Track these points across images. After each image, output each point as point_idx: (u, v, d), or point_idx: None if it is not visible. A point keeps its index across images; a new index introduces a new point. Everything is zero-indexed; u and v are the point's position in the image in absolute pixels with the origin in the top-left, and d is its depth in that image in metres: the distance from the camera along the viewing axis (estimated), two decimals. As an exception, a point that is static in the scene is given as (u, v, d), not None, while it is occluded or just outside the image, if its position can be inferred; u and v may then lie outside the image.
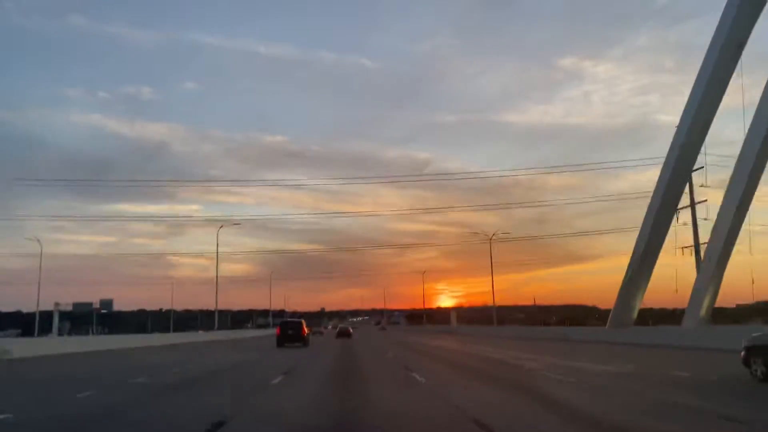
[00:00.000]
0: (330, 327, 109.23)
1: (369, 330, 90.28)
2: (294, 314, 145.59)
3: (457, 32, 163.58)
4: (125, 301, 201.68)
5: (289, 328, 29.73)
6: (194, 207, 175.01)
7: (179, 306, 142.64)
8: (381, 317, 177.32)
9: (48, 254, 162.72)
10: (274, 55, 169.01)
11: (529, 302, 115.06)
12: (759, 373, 10.70)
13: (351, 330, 49.84)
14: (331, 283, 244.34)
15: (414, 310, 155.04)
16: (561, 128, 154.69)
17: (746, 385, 10.28)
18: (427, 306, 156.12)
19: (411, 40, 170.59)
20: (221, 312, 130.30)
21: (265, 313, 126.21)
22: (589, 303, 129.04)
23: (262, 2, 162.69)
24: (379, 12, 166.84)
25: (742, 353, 11.19)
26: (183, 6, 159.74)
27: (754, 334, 11.17)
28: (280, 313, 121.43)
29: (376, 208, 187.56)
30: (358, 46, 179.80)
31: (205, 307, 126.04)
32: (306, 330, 30.20)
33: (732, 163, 29.34)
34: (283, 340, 28.96)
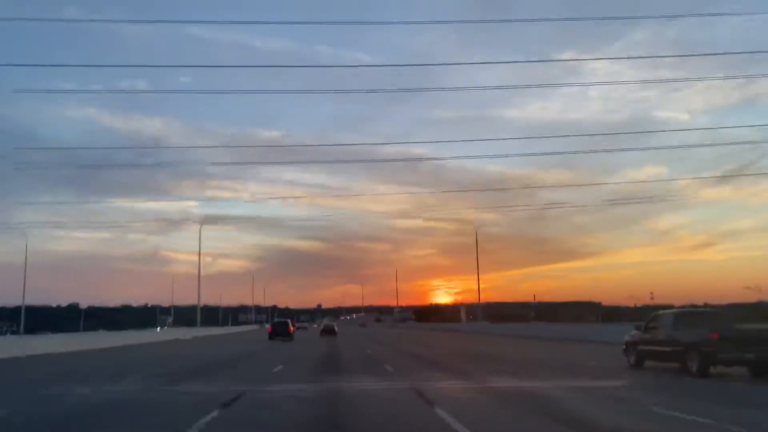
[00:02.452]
0: (316, 325, 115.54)
1: (350, 328, 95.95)
2: (286, 310, 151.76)
3: (455, 27, 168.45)
4: (120, 298, 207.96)
5: (279, 326, 42.63)
6: (191, 203, 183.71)
7: (168, 301, 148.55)
8: (379, 314, 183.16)
9: (43, 250, 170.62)
10: (271, 49, 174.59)
11: (528, 299, 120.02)
12: (631, 361, 15.82)
13: (336, 327, 55.46)
14: (329, 279, 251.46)
15: (412, 306, 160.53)
16: (559, 124, 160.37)
17: (621, 370, 15.28)
18: (427, 302, 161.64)
19: (408, 35, 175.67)
20: (212, 308, 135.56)
21: (252, 309, 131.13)
22: (593, 299, 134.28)
23: None
24: (376, 7, 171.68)
25: (623, 347, 16.29)
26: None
27: (631, 332, 16.23)
28: (261, 309, 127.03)
29: (374, 204, 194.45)
30: (356, 41, 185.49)
31: (193, 303, 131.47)
32: (292, 327, 43.51)
33: None
34: (274, 335, 40.92)
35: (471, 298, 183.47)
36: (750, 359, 13.13)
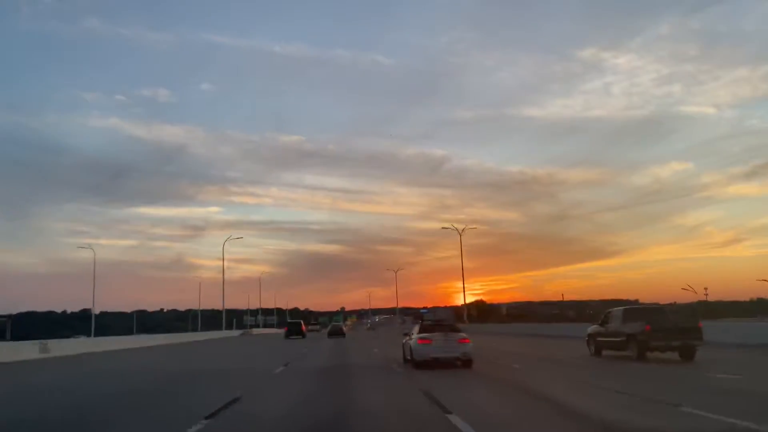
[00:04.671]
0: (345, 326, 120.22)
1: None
2: (304, 312, 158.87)
3: (473, 25, 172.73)
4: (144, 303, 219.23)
5: (293, 326, 54.58)
6: (213, 209, 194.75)
7: (184, 306, 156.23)
8: (404, 315, 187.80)
9: (69, 259, 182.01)
10: (290, 54, 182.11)
11: (557, 298, 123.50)
12: (591, 351, 20.20)
13: (344, 329, 59.97)
14: (352, 282, 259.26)
15: (437, 308, 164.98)
16: (581, 122, 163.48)
17: (580, 358, 19.63)
18: (450, 304, 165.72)
19: (426, 35, 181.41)
20: (229, 311, 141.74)
21: (223, 312, 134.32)
22: (621, 297, 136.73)
23: (277, 2, 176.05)
24: (393, 7, 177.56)
25: (586, 339, 20.68)
26: (198, 7, 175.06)
27: (592, 327, 20.57)
28: (269, 311, 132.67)
29: (395, 206, 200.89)
30: (373, 42, 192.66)
31: (211, 307, 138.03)
32: (304, 327, 56.30)
33: None
34: (289, 334, 52.06)
35: (498, 298, 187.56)
36: (677, 345, 17.44)
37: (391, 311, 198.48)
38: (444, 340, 16.60)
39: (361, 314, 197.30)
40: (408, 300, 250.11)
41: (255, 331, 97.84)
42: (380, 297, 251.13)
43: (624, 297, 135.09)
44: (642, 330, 17.58)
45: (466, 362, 16.44)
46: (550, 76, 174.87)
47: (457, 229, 69.75)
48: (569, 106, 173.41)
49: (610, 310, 20.23)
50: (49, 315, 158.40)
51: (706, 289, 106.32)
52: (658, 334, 17.38)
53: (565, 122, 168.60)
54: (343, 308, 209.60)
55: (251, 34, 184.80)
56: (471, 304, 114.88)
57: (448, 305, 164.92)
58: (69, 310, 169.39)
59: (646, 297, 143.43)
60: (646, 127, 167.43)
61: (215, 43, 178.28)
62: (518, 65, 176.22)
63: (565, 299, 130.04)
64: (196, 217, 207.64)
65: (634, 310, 19.59)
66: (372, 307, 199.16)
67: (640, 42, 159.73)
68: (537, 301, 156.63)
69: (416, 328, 18.15)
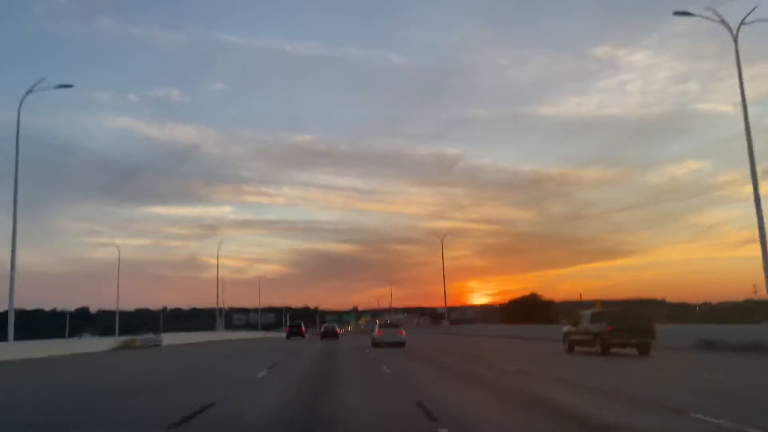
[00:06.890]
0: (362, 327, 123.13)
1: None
2: (314, 311, 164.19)
3: (485, 23, 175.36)
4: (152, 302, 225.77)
5: (294, 327, 64.67)
6: (226, 209, 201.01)
7: (188, 305, 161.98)
8: (418, 316, 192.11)
9: (83, 258, 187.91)
10: (301, 53, 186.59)
11: (574, 298, 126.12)
12: (566, 347, 23.88)
13: (339, 330, 63.40)
14: (364, 282, 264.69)
15: (453, 307, 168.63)
16: (595, 120, 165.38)
17: (556, 354, 23.26)
18: (467, 303, 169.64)
19: (439, 33, 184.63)
20: (237, 310, 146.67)
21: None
22: (657, 296, 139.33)
23: (288, 0, 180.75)
24: (405, 5, 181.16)
25: (562, 338, 24.37)
26: (209, 7, 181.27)
27: (567, 326, 24.21)
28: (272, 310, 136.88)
29: (407, 206, 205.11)
30: (385, 41, 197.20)
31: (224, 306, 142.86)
32: (304, 329, 65.56)
33: None
34: (290, 335, 62.31)
35: (511, 298, 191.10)
36: (634, 342, 21.14)
37: (405, 311, 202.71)
38: (391, 332, 31.83)
39: (375, 314, 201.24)
40: (422, 300, 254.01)
41: (175, 338, 49.31)
42: (393, 296, 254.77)
43: (643, 297, 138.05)
44: (605, 329, 21.23)
45: (402, 344, 30.49)
46: (564, 74, 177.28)
47: None
48: (584, 105, 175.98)
49: (581, 312, 23.87)
50: (37, 313, 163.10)
51: (754, 285, 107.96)
52: (618, 333, 21.08)
53: (580, 121, 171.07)
54: (355, 308, 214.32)
55: (263, 33, 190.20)
56: (519, 300, 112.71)
57: (466, 305, 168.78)
58: (59, 308, 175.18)
59: (668, 297, 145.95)
60: (662, 126, 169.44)
61: (227, 43, 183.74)
62: (532, 63, 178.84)
63: (583, 299, 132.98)
64: (210, 216, 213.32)
65: (600, 312, 23.18)
66: (385, 307, 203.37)
67: (656, 39, 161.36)
68: (558, 301, 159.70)
69: (377, 327, 33.49)
